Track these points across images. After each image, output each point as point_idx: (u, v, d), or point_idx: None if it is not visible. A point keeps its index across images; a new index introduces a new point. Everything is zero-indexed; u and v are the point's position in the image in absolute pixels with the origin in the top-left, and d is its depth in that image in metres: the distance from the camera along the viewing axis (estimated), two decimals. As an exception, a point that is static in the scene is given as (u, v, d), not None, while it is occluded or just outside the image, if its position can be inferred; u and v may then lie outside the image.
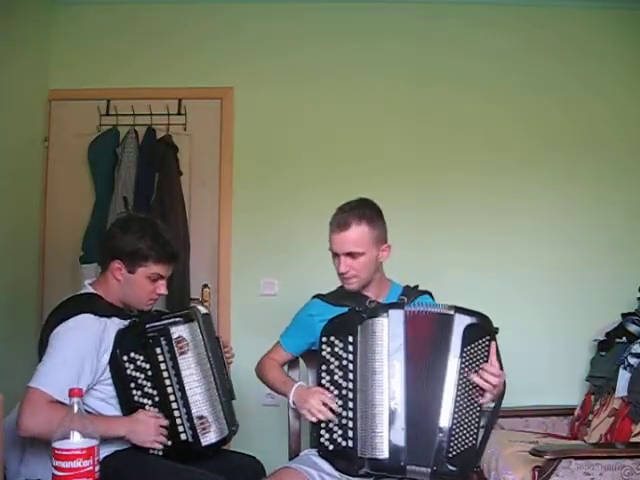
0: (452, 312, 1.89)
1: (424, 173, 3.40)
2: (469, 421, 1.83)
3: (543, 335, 3.24)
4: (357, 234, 2.04)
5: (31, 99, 3.31)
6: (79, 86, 3.41)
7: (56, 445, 1.41)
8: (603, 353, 3.01)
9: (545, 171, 3.40)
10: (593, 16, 3.46)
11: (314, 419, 1.95)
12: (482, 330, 1.88)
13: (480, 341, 1.87)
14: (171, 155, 3.34)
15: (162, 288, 2.02)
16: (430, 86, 3.44)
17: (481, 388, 1.84)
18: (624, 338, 2.90)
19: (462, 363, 1.85)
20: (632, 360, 2.73)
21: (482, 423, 1.86)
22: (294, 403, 2.05)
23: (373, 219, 2.08)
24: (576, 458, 2.23)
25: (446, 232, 3.35)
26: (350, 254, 2.05)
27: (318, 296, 2.25)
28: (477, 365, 1.86)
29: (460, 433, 1.82)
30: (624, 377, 2.71)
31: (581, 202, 3.40)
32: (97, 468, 1.43)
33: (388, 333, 1.89)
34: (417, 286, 2.19)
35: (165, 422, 1.89)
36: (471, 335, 1.87)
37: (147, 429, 1.85)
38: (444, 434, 1.82)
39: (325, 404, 1.92)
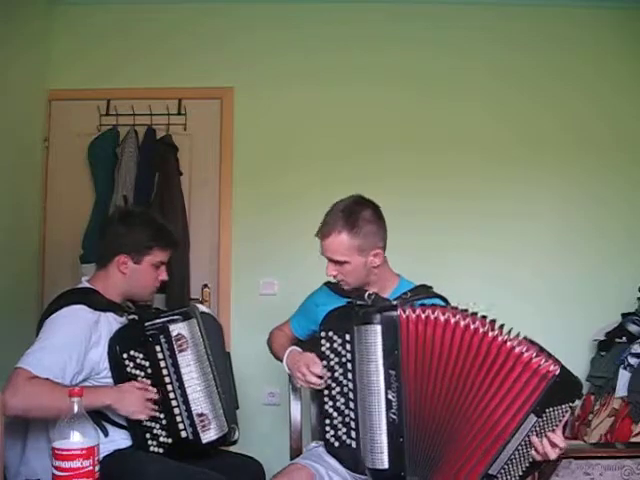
0: (557, 368, 1.68)
1: (422, 176, 3.39)
2: (513, 474, 1.72)
3: (542, 335, 3.17)
4: (336, 244, 1.98)
5: (31, 99, 3.31)
6: (79, 86, 3.41)
7: (56, 445, 1.41)
8: (603, 353, 3.01)
9: (542, 173, 3.41)
10: (587, 16, 3.46)
11: (305, 385, 1.96)
12: (569, 396, 1.69)
13: (563, 407, 1.68)
14: (171, 155, 3.34)
15: (163, 274, 2.11)
16: (428, 91, 3.44)
17: (536, 450, 1.69)
18: (624, 338, 2.90)
19: (537, 422, 1.66)
20: (632, 360, 2.73)
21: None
22: (287, 367, 2.05)
23: (356, 227, 1.97)
24: (576, 458, 2.23)
25: (444, 235, 3.34)
26: (334, 260, 2.03)
27: (327, 284, 2.21)
28: (548, 429, 1.68)
29: None
30: (624, 377, 2.71)
31: (580, 203, 3.40)
32: (97, 468, 1.43)
33: (382, 341, 1.78)
34: (431, 287, 2.10)
35: (154, 395, 1.89)
36: (559, 397, 1.67)
37: (133, 399, 1.86)
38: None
39: (315, 373, 1.91)
